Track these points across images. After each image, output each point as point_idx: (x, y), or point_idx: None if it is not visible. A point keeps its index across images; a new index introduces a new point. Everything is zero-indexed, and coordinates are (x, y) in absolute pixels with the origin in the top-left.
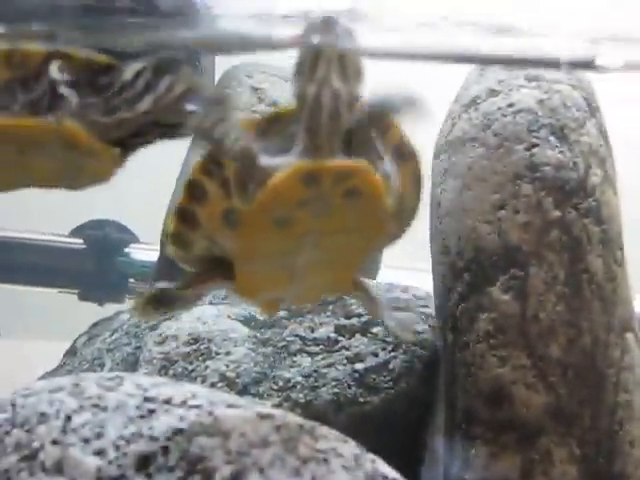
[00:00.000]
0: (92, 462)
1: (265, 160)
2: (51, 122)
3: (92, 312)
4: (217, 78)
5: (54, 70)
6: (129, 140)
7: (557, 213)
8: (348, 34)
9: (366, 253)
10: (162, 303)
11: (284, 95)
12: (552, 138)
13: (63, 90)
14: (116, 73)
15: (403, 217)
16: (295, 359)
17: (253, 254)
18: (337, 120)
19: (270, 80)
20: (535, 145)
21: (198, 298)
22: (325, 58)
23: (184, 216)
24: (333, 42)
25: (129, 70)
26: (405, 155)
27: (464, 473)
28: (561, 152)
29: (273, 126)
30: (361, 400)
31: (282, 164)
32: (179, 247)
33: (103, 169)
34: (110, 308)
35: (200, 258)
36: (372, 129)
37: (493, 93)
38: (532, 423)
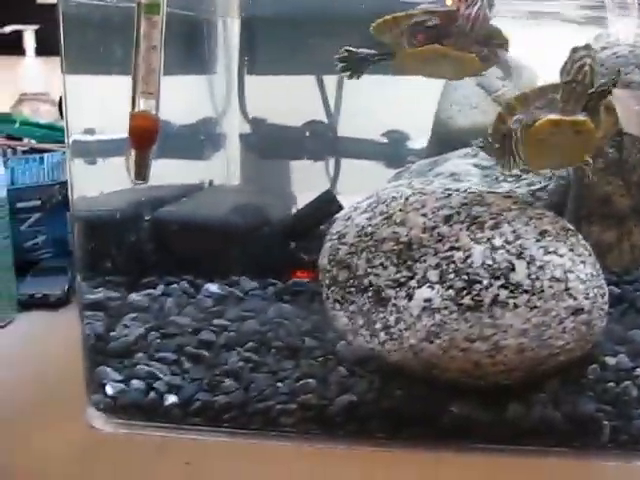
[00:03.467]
0: (420, 220)
1: (545, 110)
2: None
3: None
4: None
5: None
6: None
7: None
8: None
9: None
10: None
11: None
12: None
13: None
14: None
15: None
16: (502, 184)
17: (536, 148)
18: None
19: None
20: None
21: None
22: (585, 58)
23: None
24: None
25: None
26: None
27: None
28: None
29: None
30: (535, 202)
31: (551, 113)
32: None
33: (471, 68)
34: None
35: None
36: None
37: None
38: (622, 214)
